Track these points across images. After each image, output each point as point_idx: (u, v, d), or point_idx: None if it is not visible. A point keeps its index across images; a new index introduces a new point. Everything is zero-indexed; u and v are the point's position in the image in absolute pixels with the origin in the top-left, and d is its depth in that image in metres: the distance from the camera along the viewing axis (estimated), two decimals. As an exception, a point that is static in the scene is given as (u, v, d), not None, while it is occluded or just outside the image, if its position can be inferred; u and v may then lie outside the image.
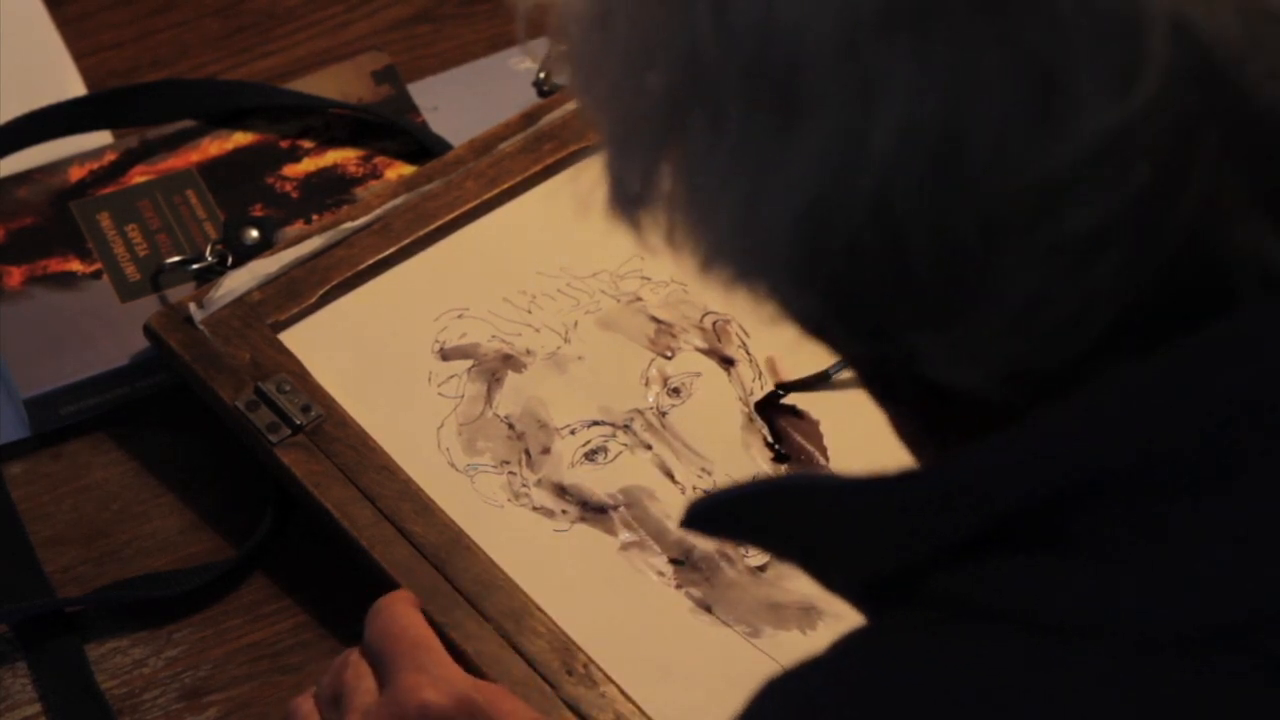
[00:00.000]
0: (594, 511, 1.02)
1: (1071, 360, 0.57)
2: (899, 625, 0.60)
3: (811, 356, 1.08)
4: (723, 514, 0.64)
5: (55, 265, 1.13)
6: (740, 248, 0.59)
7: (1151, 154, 0.54)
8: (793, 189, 0.56)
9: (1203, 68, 0.54)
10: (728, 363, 1.08)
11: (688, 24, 0.56)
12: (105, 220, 1.15)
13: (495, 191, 1.13)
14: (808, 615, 0.99)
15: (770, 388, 1.07)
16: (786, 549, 0.64)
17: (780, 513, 0.62)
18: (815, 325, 0.62)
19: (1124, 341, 0.56)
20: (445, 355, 1.07)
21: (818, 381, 1.07)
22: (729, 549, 1.01)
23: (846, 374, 1.07)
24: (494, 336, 1.08)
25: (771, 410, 1.07)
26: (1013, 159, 0.54)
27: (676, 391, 1.07)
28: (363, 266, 1.10)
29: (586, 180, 0.62)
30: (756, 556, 1.01)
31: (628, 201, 0.62)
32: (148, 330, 1.06)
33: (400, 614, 0.93)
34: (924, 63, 0.54)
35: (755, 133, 0.56)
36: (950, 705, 0.57)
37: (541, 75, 1.23)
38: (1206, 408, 0.55)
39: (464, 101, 1.23)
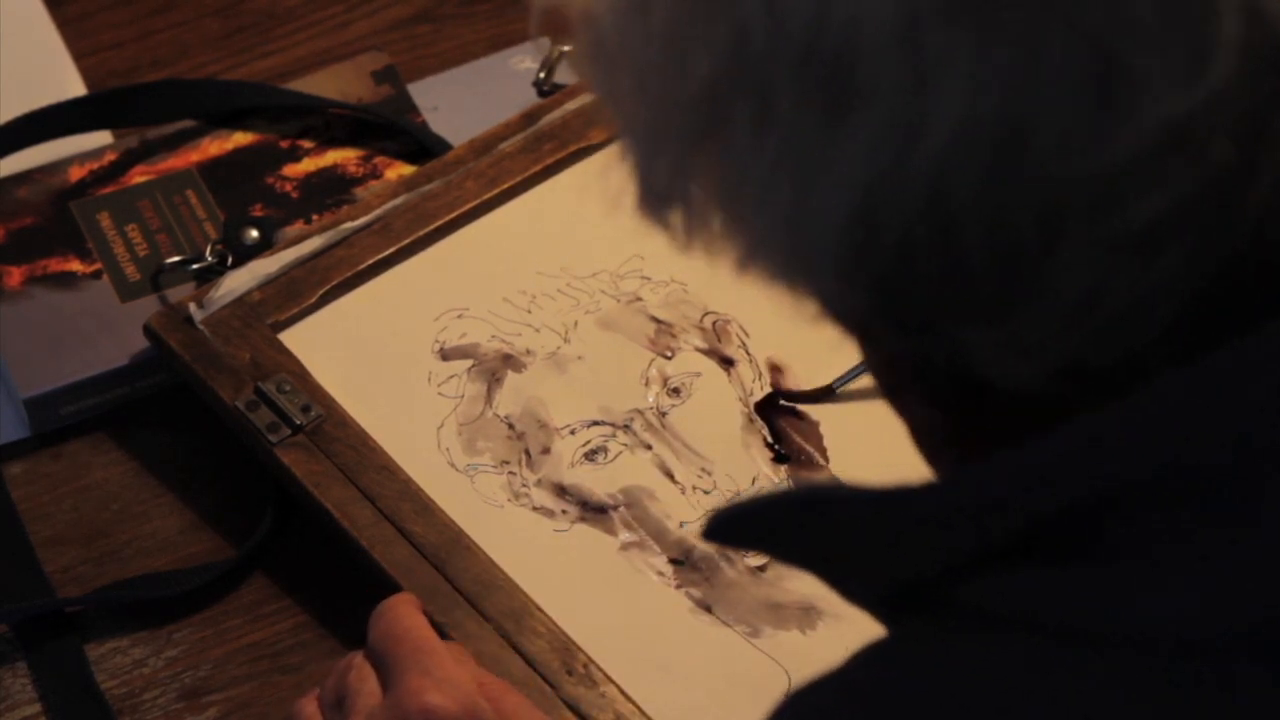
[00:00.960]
0: (594, 511, 1.02)
1: (1131, 356, 0.55)
2: (919, 635, 0.59)
3: (812, 359, 1.08)
4: (742, 524, 0.63)
5: (55, 265, 1.13)
6: (785, 244, 0.57)
7: (1220, 143, 0.52)
8: (844, 183, 0.55)
9: (1275, 52, 0.52)
10: (728, 363, 1.08)
11: (735, 10, 0.55)
12: (105, 220, 1.15)
13: (495, 191, 1.13)
14: (808, 615, 0.99)
15: (770, 388, 1.07)
16: (804, 559, 0.63)
17: (800, 523, 0.61)
18: (859, 323, 0.61)
19: (1187, 338, 0.55)
20: (445, 355, 1.07)
21: (822, 396, 1.07)
22: (729, 549, 1.01)
23: (851, 387, 1.07)
24: (494, 336, 1.08)
25: (771, 411, 1.07)
26: (1075, 149, 0.53)
27: (676, 391, 1.07)
28: (363, 266, 1.10)
29: (616, 177, 0.61)
30: (757, 556, 1.01)
31: (657, 200, 0.60)
32: (148, 330, 1.06)
33: (403, 616, 0.93)
34: (984, 50, 0.52)
35: (805, 124, 0.55)
36: (970, 715, 0.56)
37: (541, 75, 1.23)
38: (1239, 414, 0.54)
39: (464, 101, 1.23)
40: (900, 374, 0.63)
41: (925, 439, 0.65)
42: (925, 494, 0.58)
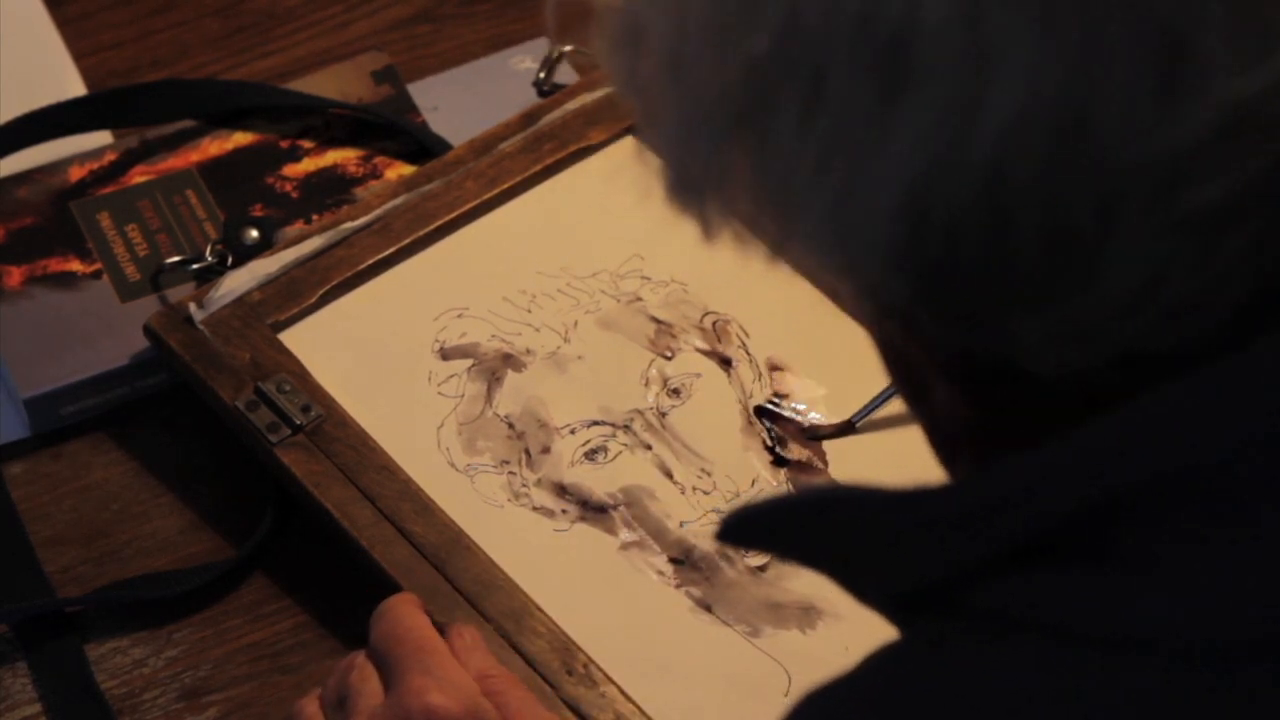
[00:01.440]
0: (594, 511, 1.02)
1: (1196, 343, 0.54)
2: (933, 638, 0.58)
3: (812, 360, 1.09)
4: (754, 523, 0.62)
5: (55, 265, 1.13)
6: (830, 233, 0.55)
7: None
8: (896, 168, 0.53)
9: None
10: (727, 363, 1.08)
11: None
12: (105, 220, 1.15)
13: (495, 191, 1.13)
14: (808, 615, 0.99)
15: (770, 390, 1.07)
16: (819, 560, 0.62)
17: (815, 524, 0.60)
18: (896, 312, 0.59)
19: (1255, 324, 0.53)
20: (445, 355, 1.07)
21: (843, 431, 1.06)
22: (729, 548, 1.01)
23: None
24: (494, 336, 1.08)
25: (770, 414, 1.07)
26: (1138, 132, 0.51)
27: (676, 392, 1.07)
28: (363, 266, 1.10)
29: (641, 167, 0.59)
30: (757, 556, 1.01)
31: (688, 189, 0.58)
32: (148, 330, 1.06)
33: (405, 616, 0.93)
34: (1046, 30, 0.51)
35: (857, 107, 0.53)
36: (981, 719, 0.55)
37: (541, 75, 1.23)
38: (1247, 416, 0.53)
39: (464, 101, 1.23)
40: (929, 367, 0.62)
41: (943, 437, 0.64)
42: (940, 495, 0.57)
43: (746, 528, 0.63)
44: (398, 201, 1.12)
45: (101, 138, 1.20)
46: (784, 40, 0.53)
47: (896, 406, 1.06)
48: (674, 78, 0.57)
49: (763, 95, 0.54)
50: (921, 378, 0.62)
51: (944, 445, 0.64)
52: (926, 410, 0.64)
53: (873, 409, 1.05)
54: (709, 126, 0.56)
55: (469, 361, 1.07)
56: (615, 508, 1.02)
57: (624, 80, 0.59)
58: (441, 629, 0.94)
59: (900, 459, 1.05)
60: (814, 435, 1.06)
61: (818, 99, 0.53)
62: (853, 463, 1.05)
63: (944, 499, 0.58)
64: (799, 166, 0.55)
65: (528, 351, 1.07)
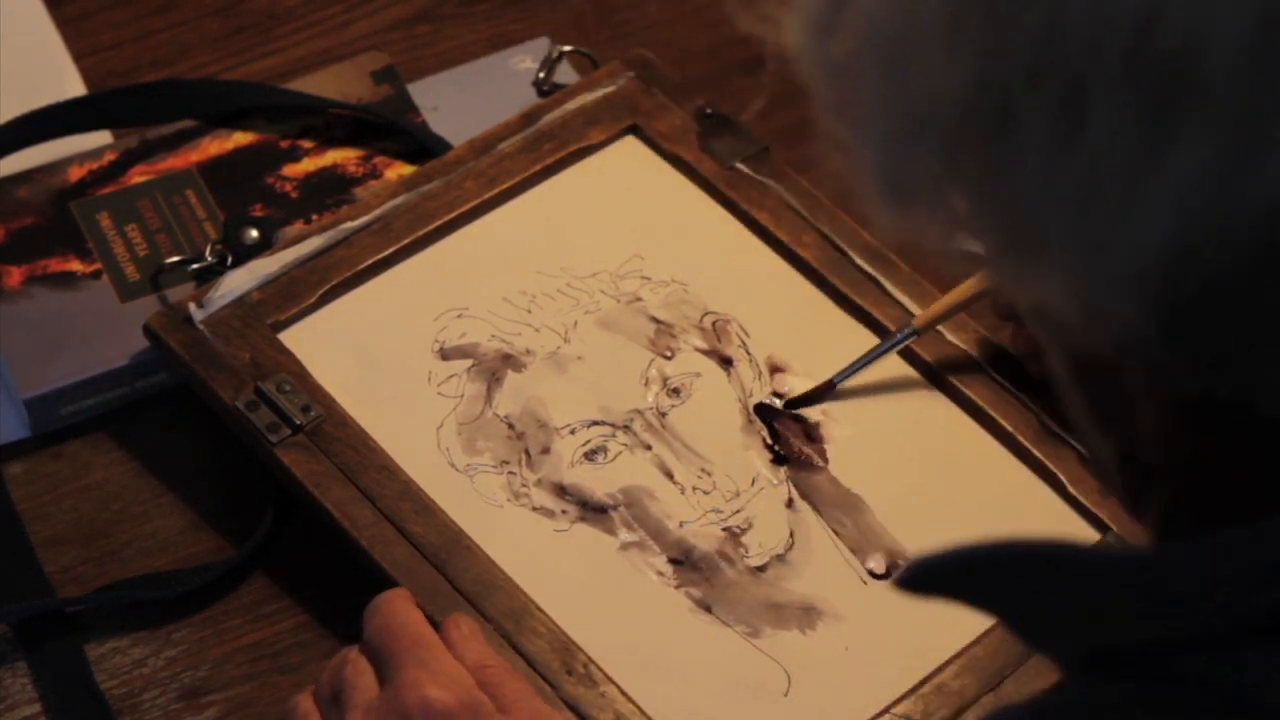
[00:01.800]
0: (594, 511, 1.02)
1: None
2: (1131, 702, 0.53)
3: (812, 360, 1.09)
4: (948, 573, 0.57)
5: (55, 265, 1.13)
6: (1073, 259, 0.50)
7: None
8: (1166, 202, 0.48)
9: None
10: (727, 363, 1.08)
11: None
12: (105, 220, 1.15)
13: (495, 191, 1.13)
14: (808, 615, 0.99)
15: (770, 388, 1.07)
16: (1004, 609, 0.57)
17: (1015, 577, 0.55)
18: (1134, 344, 0.53)
19: None
20: (445, 355, 1.07)
21: (823, 392, 1.07)
22: (728, 548, 1.01)
23: (849, 384, 1.07)
24: (494, 336, 1.08)
25: (770, 413, 1.07)
26: None
27: (676, 392, 1.07)
28: (363, 266, 1.10)
29: (839, 164, 0.54)
30: (757, 556, 1.01)
31: (895, 190, 0.54)
32: (148, 330, 1.06)
33: (399, 610, 0.93)
34: None
35: (1126, 127, 0.48)
36: None
37: (541, 75, 1.23)
38: None
39: (464, 101, 1.23)
40: (1145, 396, 0.56)
41: (1136, 467, 0.59)
42: (1170, 562, 0.53)
43: (937, 575, 0.57)
44: (398, 201, 1.12)
45: (101, 138, 1.20)
46: (1040, 44, 0.49)
47: (876, 378, 1.06)
48: (889, 70, 0.52)
49: (1004, 105, 0.50)
50: (1121, 403, 0.57)
51: (1134, 475, 0.59)
52: (1120, 436, 0.59)
53: (853, 372, 1.06)
54: (929, 132, 0.52)
55: (469, 361, 1.07)
56: (615, 508, 1.02)
57: (817, 62, 0.53)
58: (437, 628, 0.94)
59: (902, 459, 1.05)
60: (794, 403, 1.06)
61: (1077, 117, 0.49)
62: (854, 463, 1.05)
63: (1175, 566, 0.53)
64: (1044, 189, 0.50)
65: (528, 352, 1.07)
